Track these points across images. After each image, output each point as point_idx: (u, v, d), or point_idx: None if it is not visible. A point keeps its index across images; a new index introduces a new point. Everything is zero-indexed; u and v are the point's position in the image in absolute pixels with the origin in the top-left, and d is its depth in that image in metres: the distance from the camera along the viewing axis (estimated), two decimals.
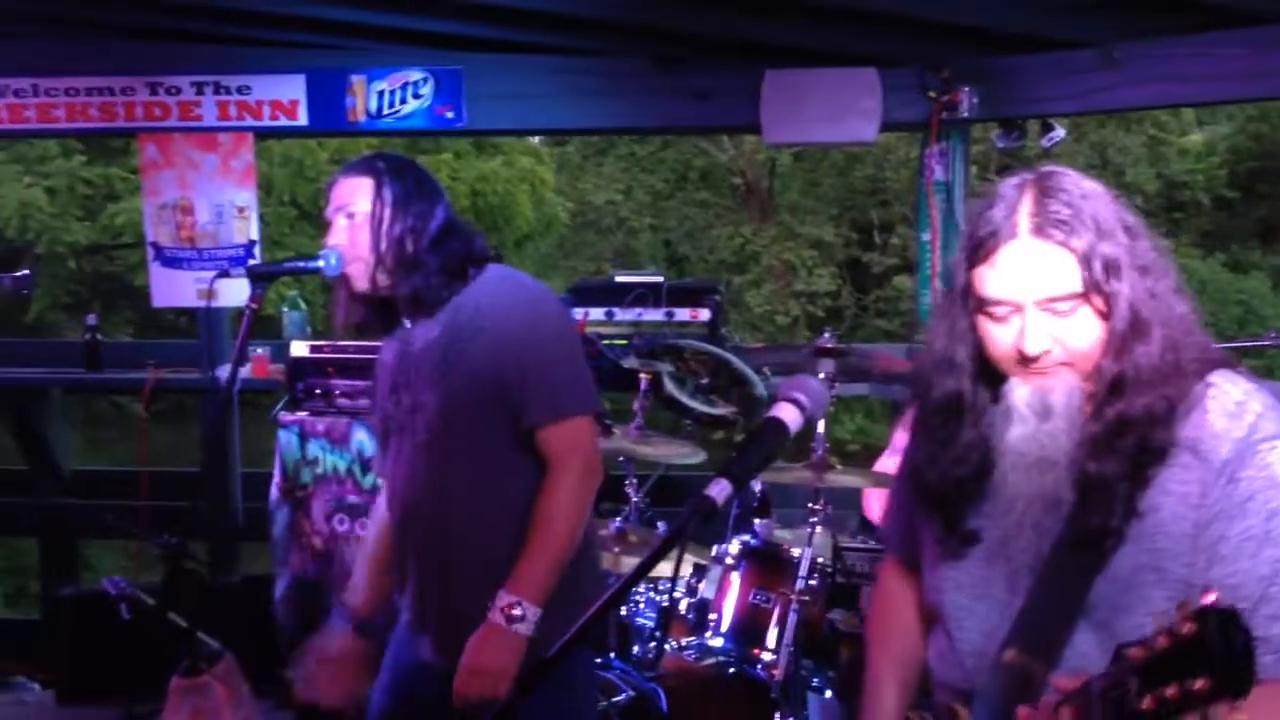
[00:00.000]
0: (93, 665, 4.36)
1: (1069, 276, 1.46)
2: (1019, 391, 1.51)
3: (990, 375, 1.56)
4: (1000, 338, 1.51)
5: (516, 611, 2.16)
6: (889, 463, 3.70)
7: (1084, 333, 1.48)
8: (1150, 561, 1.46)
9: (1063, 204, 1.48)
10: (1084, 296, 1.47)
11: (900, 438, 3.76)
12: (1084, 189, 1.51)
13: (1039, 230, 1.47)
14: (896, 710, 1.77)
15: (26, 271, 3.89)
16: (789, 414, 1.47)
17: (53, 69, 4.61)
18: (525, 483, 2.26)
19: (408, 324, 2.37)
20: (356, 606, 2.48)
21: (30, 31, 4.59)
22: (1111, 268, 1.46)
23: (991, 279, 1.49)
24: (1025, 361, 1.49)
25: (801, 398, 1.48)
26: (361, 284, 2.34)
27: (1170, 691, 1.05)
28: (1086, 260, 1.45)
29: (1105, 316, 1.48)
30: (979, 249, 1.50)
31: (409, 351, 2.36)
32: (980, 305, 1.52)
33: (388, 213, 2.30)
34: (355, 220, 2.32)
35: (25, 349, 4.49)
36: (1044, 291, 1.47)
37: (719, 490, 1.37)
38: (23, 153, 12.50)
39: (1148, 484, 1.47)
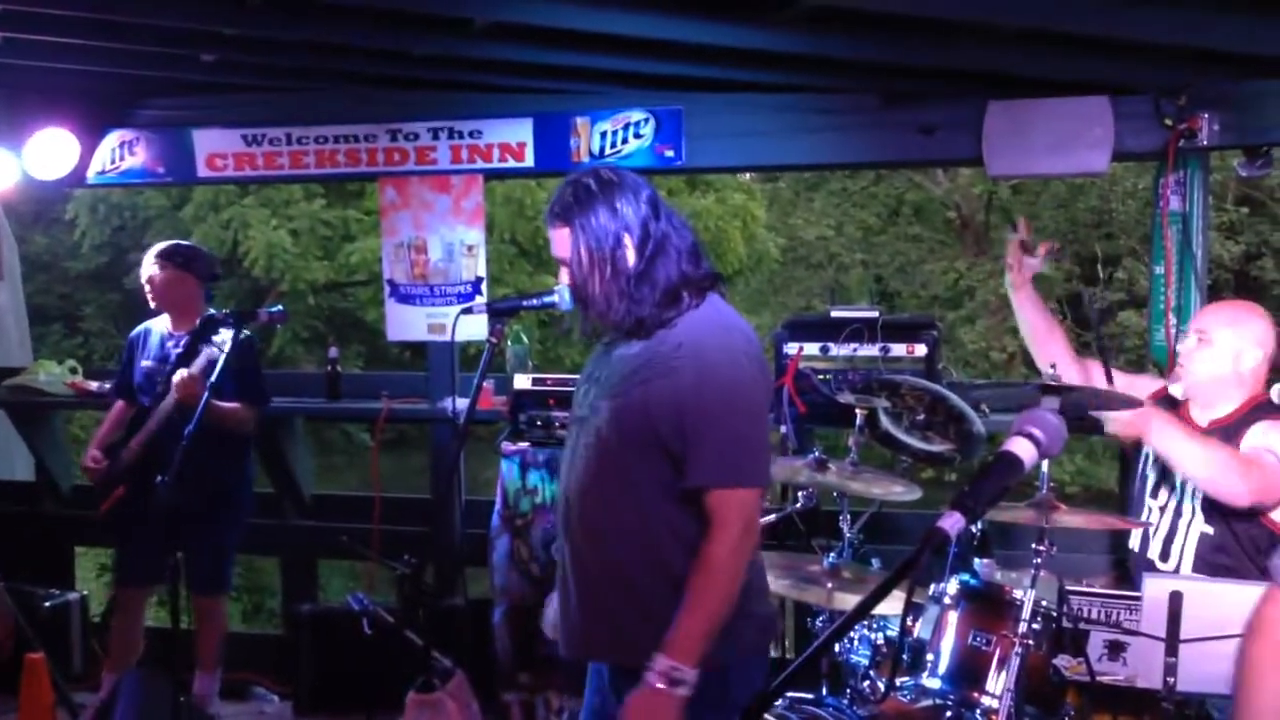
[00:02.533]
0: (329, 678, 4.60)
1: None
2: None
3: None
4: None
5: (677, 675, 2.18)
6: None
7: None
8: None
9: None
10: None
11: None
12: None
13: None
14: None
15: (280, 308, 4.23)
16: (1023, 449, 1.44)
17: (303, 119, 4.97)
18: (674, 521, 2.29)
19: None
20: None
21: (284, 85, 4.97)
22: None
23: None
24: None
25: (1037, 433, 1.45)
26: (592, 313, 2.42)
27: None
28: None
29: None
30: None
31: (609, 354, 2.42)
32: None
33: (586, 260, 2.34)
34: (566, 268, 2.41)
35: (272, 379, 4.81)
36: None
37: (952, 523, 1.36)
38: (270, 197, 13.43)
39: None
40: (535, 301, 2.55)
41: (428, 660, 2.46)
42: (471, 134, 4.86)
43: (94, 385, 5.38)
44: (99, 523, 4.44)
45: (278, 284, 13.40)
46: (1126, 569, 3.65)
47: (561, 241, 2.39)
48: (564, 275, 2.43)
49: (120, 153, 5.15)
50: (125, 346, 4.72)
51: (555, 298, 2.45)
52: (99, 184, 5.32)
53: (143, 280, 4.53)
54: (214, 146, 5.03)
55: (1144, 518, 3.38)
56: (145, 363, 4.54)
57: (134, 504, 4.31)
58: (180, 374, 4.15)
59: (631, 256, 2.33)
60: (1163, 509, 3.34)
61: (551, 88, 4.78)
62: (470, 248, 4.93)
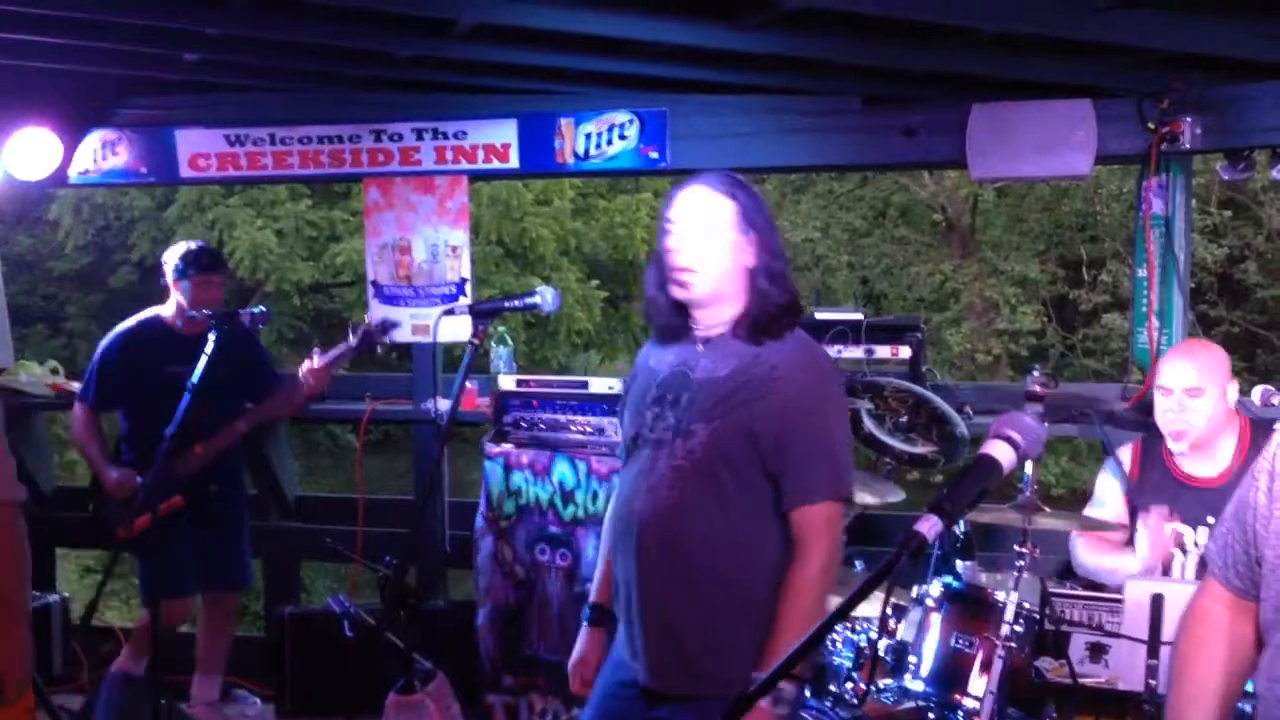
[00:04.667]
0: (312, 681, 4.58)
1: None
2: None
3: None
4: None
5: (780, 695, 2.22)
6: (1097, 510, 3.55)
7: None
8: None
9: None
10: None
11: (1103, 479, 3.61)
12: None
13: None
14: None
15: (263, 308, 4.20)
16: (1002, 452, 1.44)
17: (287, 119, 4.95)
18: (761, 541, 2.32)
19: (699, 347, 2.42)
20: (598, 598, 2.63)
21: (268, 86, 4.95)
22: None
23: None
24: None
25: (1016, 436, 1.45)
26: (698, 290, 2.39)
27: None
28: None
29: None
30: None
31: (688, 374, 2.40)
32: None
33: (753, 237, 2.38)
34: (707, 233, 2.37)
35: None
36: None
37: (929, 526, 1.36)
38: (255, 197, 13.36)
39: None
40: (518, 303, 2.55)
41: (409, 662, 2.45)
42: (456, 135, 4.85)
43: (76, 386, 5.34)
44: (130, 540, 4.17)
45: (263, 285, 13.35)
46: None
47: (715, 206, 2.38)
48: (679, 235, 2.39)
49: (102, 153, 5.12)
50: (108, 353, 4.44)
51: (537, 299, 2.45)
52: (81, 184, 5.30)
53: (189, 289, 4.37)
54: (197, 147, 5.00)
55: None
56: (169, 369, 4.20)
57: (176, 514, 4.23)
58: (308, 365, 4.27)
59: (779, 263, 2.41)
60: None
61: (536, 89, 4.78)
62: (455, 249, 4.92)
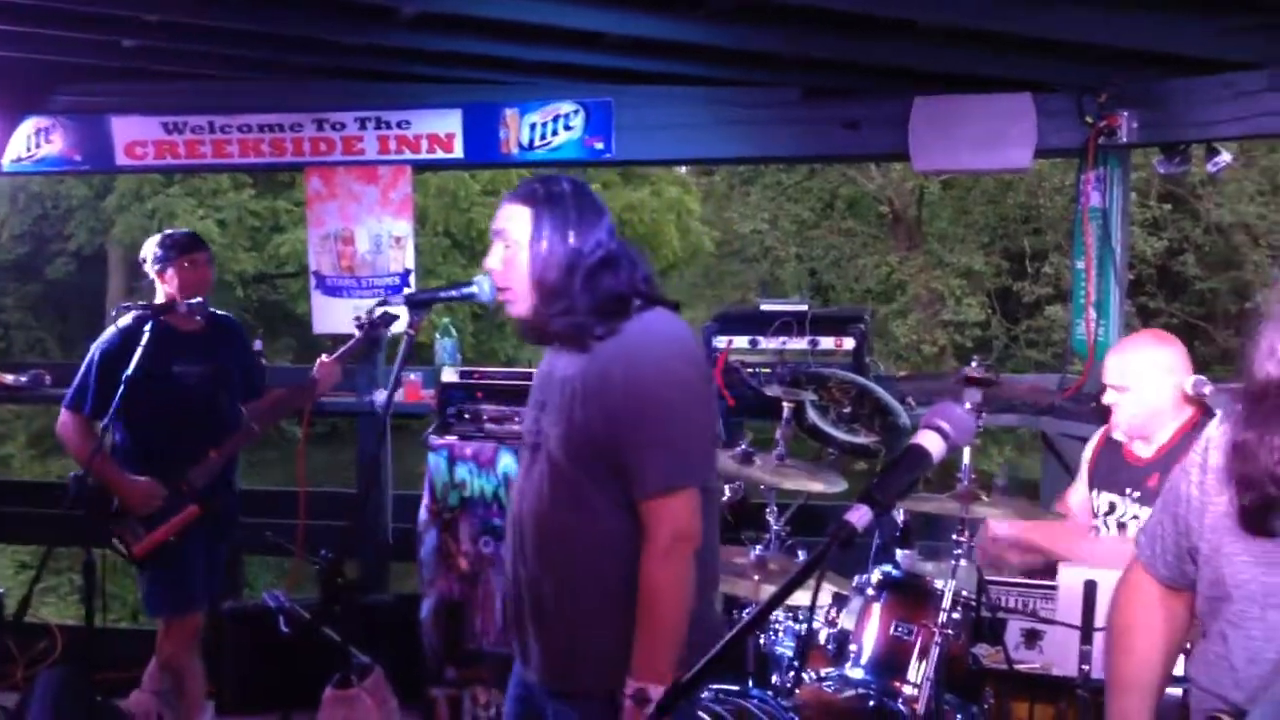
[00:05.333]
0: (252, 677, 4.54)
1: None
2: None
3: None
4: None
5: (642, 695, 2.19)
6: (1073, 495, 3.60)
7: None
8: None
9: None
10: None
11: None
12: None
13: None
14: (1154, 704, 1.81)
15: (200, 299, 4.09)
16: (932, 442, 1.46)
17: (227, 107, 4.88)
18: (624, 539, 2.28)
19: (559, 349, 2.42)
20: None
21: (207, 73, 4.87)
22: None
23: None
24: None
25: (945, 425, 1.47)
26: (515, 309, 2.40)
27: None
28: None
29: None
30: None
31: (552, 375, 2.40)
32: None
33: (541, 247, 2.32)
34: (509, 248, 2.38)
35: None
36: None
37: (859, 516, 1.37)
38: (196, 187, 13.19)
39: None
40: (455, 293, 2.52)
41: (345, 657, 2.43)
42: (400, 124, 4.81)
43: (9, 378, 5.24)
44: (139, 559, 3.94)
45: None
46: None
47: (511, 217, 2.37)
48: (494, 253, 2.40)
49: (36, 140, 5.02)
50: (105, 355, 3.96)
51: (475, 289, 2.42)
52: (14, 172, 5.19)
53: (175, 275, 4.05)
54: (133, 134, 4.92)
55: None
56: (178, 366, 4.01)
57: (191, 525, 3.96)
58: (323, 359, 4.08)
59: (585, 259, 2.33)
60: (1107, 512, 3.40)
61: (480, 78, 4.75)
62: (398, 239, 4.88)
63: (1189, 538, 1.76)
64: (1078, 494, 3.56)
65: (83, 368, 4.00)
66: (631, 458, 2.24)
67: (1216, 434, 1.74)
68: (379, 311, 3.84)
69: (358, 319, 3.95)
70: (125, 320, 4.02)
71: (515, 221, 2.37)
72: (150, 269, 4.14)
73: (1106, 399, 3.39)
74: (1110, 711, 1.85)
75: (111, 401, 3.86)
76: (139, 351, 3.82)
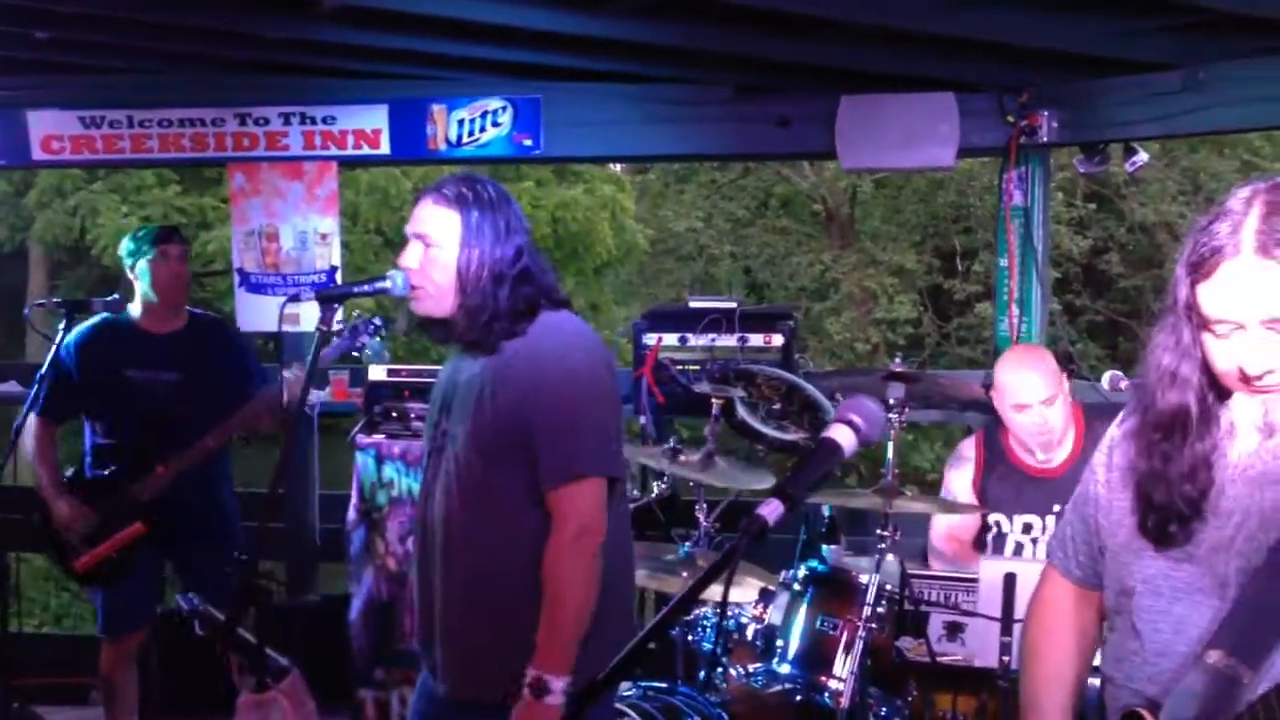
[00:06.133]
0: (173, 681, 4.45)
1: None
2: (1243, 407, 1.53)
3: (1218, 390, 1.57)
4: (1223, 354, 1.52)
5: (541, 685, 2.18)
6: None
7: None
8: None
9: None
10: None
11: (954, 476, 3.70)
12: None
13: (1263, 249, 1.46)
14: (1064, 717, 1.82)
15: (116, 295, 4.00)
16: (843, 435, 1.46)
17: (147, 101, 4.78)
18: (534, 538, 2.27)
19: (463, 350, 2.40)
20: None
21: (126, 66, 4.77)
22: None
23: (1213, 296, 1.50)
24: (1248, 380, 1.50)
25: (857, 419, 1.48)
26: (424, 306, 2.37)
27: None
28: None
29: None
30: (1201, 265, 1.51)
31: (457, 378, 2.39)
32: (1203, 322, 1.53)
33: (471, 254, 2.31)
34: (431, 250, 2.35)
35: None
36: (1266, 312, 1.46)
37: (771, 510, 1.37)
38: (121, 183, 12.92)
39: None
40: (367, 287, 2.49)
41: (261, 659, 2.40)
42: (325, 120, 4.74)
43: None
44: (79, 575, 3.80)
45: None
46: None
47: (437, 220, 2.34)
48: (412, 252, 2.37)
49: None
50: (56, 355, 3.80)
51: (388, 284, 2.39)
52: None
53: (147, 269, 3.90)
54: (50, 128, 4.79)
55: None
56: (131, 371, 3.88)
57: (137, 541, 3.81)
58: (295, 374, 3.73)
59: (509, 269, 2.33)
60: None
61: (407, 74, 4.70)
62: (324, 236, 4.81)
63: (1099, 536, 1.78)
64: (960, 523, 3.59)
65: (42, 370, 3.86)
66: (540, 449, 2.24)
67: (1118, 433, 1.77)
68: (362, 319, 3.70)
69: (327, 328, 3.71)
70: (89, 321, 3.95)
71: (441, 224, 2.35)
72: (126, 267, 4.00)
73: (1028, 419, 3.41)
74: None
75: (63, 404, 3.84)
76: (75, 352, 3.81)
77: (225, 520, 4.15)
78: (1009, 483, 3.47)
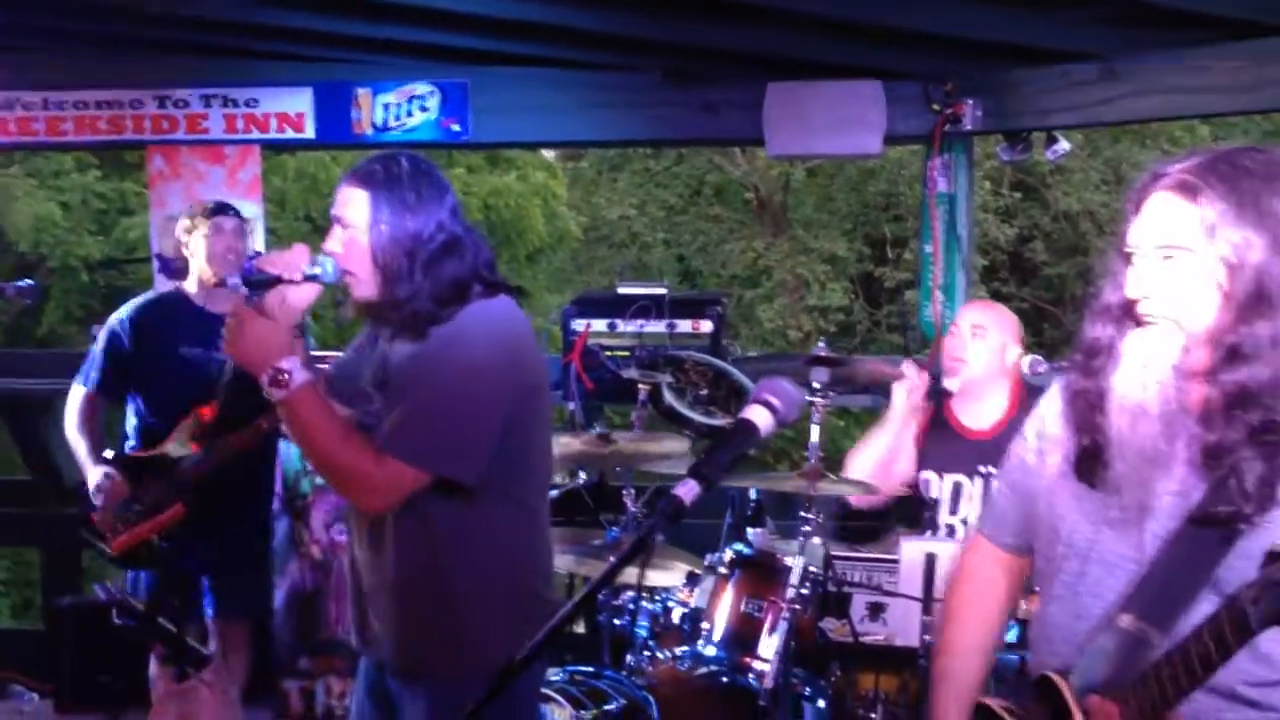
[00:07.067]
0: (89, 673, 4.38)
1: (1183, 231, 1.52)
2: (1131, 337, 1.58)
3: (1136, 323, 1.61)
4: (1128, 282, 1.59)
5: (281, 378, 2.17)
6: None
7: (1184, 289, 1.53)
8: None
9: (1217, 172, 1.53)
10: (1194, 254, 1.51)
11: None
12: (1273, 171, 1.53)
13: (1178, 186, 1.54)
14: (972, 695, 1.83)
15: (30, 281, 3.86)
16: (760, 416, 1.47)
17: (62, 83, 4.66)
18: (455, 519, 2.25)
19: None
20: None
21: (41, 46, 4.65)
22: (1243, 238, 1.49)
23: (1132, 227, 1.59)
24: (1134, 308, 1.56)
25: (774, 400, 1.48)
26: (360, 291, 2.34)
27: None
28: (1209, 222, 1.50)
29: (1227, 284, 1.51)
30: (1134, 199, 1.60)
31: (389, 360, 2.36)
32: (1126, 256, 1.60)
33: (380, 231, 2.25)
34: (347, 231, 2.32)
35: (29, 360, 4.52)
36: (1156, 239, 1.54)
37: (687, 491, 1.38)
38: (38, 167, 12.58)
39: None
40: (297, 275, 2.43)
41: (182, 648, 2.35)
42: (247, 103, 4.67)
43: None
44: (116, 557, 3.42)
45: (46, 260, 12.59)
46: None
47: (350, 200, 2.29)
48: (334, 236, 2.33)
49: None
50: (113, 329, 3.71)
51: (319, 270, 2.34)
52: None
53: (202, 244, 3.68)
54: None
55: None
56: (185, 349, 3.68)
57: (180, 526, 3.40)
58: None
59: (427, 245, 2.26)
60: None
61: (332, 56, 4.64)
62: (247, 221, 4.71)
63: (1028, 503, 1.81)
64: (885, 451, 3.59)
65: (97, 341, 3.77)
66: (401, 414, 2.20)
67: (1050, 400, 1.80)
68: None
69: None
70: (145, 295, 3.85)
71: (353, 206, 2.29)
72: (182, 244, 3.80)
73: (950, 343, 3.43)
74: (933, 699, 1.89)
75: (122, 380, 3.71)
76: (130, 327, 3.67)
77: (260, 520, 3.92)
78: (943, 440, 3.48)
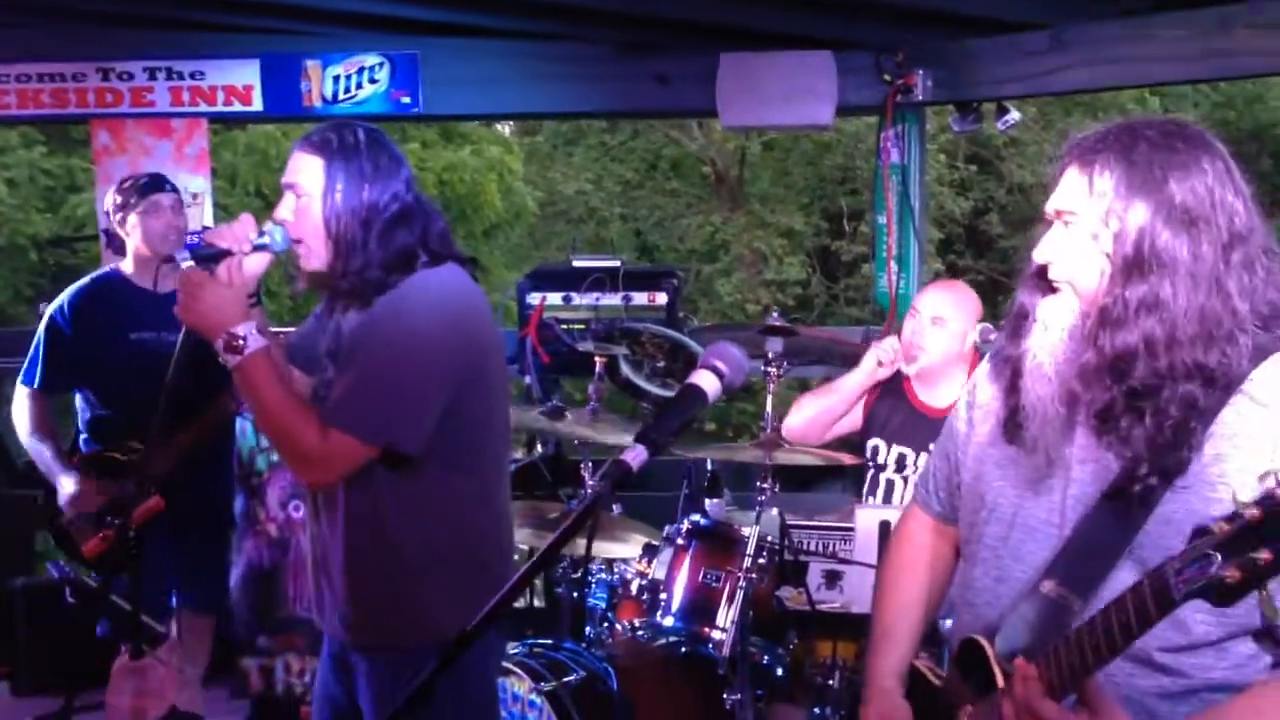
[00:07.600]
0: (47, 654, 4.34)
1: (1076, 197, 1.56)
2: (1043, 303, 1.62)
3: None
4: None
5: (233, 337, 2.17)
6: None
7: (1074, 253, 1.57)
8: (1204, 510, 1.47)
9: (1115, 141, 1.56)
10: (1082, 218, 1.55)
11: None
12: (1170, 142, 1.55)
13: (1080, 154, 1.58)
14: (909, 653, 1.87)
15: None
16: (707, 381, 1.47)
17: (3, 56, 4.56)
18: (407, 491, 2.24)
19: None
20: None
21: None
22: (1126, 205, 1.52)
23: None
24: (1045, 273, 1.60)
25: (720, 365, 1.49)
26: (309, 262, 2.31)
27: (1264, 556, 1.16)
28: (1099, 189, 1.54)
29: (1110, 249, 1.54)
30: (1059, 169, 1.63)
31: (341, 329, 2.34)
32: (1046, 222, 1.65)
33: (335, 200, 2.23)
34: (300, 200, 2.29)
35: None
36: (1056, 204, 1.59)
37: (634, 456, 1.38)
38: None
39: (1194, 434, 1.49)
40: (247, 246, 2.40)
41: (137, 625, 2.32)
42: (193, 75, 4.59)
43: None
44: (88, 560, 3.30)
45: None
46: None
47: (308, 170, 2.26)
48: (285, 204, 2.30)
49: None
50: (52, 321, 3.52)
51: (267, 239, 2.31)
52: None
53: (141, 219, 3.50)
54: None
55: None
56: (137, 334, 3.50)
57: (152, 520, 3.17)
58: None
59: (380, 214, 2.25)
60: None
61: (280, 28, 4.58)
62: (195, 196, 4.66)
63: (958, 471, 1.84)
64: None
65: (36, 336, 3.55)
66: (343, 384, 2.19)
67: (984, 370, 1.82)
68: None
69: None
70: (81, 282, 3.61)
71: (307, 173, 2.27)
72: (115, 224, 3.60)
73: (911, 325, 3.45)
74: (868, 660, 1.91)
75: (60, 375, 3.51)
76: (72, 315, 3.47)
77: (210, 502, 3.81)
78: (897, 411, 3.51)
